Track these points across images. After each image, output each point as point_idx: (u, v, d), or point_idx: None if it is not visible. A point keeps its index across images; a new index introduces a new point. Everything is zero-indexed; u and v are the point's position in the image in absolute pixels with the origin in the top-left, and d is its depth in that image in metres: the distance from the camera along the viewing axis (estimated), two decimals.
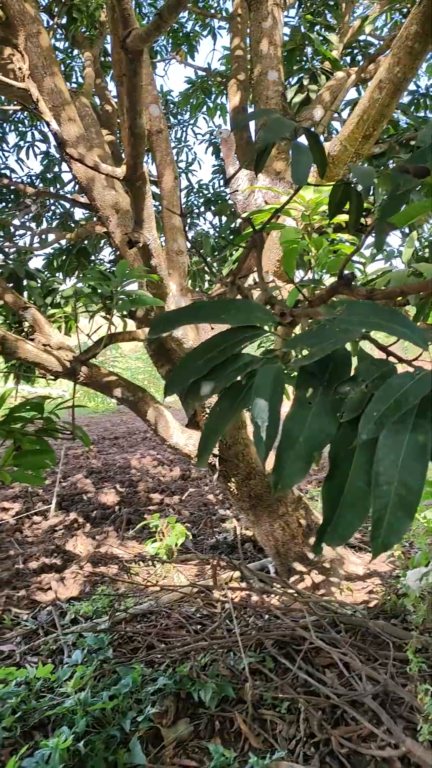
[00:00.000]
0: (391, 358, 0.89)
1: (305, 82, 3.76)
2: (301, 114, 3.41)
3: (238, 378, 0.90)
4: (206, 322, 0.90)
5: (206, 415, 3.68)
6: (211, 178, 7.22)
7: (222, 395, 0.90)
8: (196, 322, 0.89)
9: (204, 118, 7.74)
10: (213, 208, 7.11)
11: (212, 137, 7.37)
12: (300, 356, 0.85)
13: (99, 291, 2.51)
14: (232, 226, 5.57)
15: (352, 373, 0.84)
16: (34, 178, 7.17)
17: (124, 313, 3.10)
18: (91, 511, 5.93)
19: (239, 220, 2.99)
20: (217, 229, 6.33)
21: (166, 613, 3.67)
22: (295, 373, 0.88)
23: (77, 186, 3.32)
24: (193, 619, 3.60)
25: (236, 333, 0.89)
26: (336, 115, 3.61)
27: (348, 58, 5.13)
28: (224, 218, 6.61)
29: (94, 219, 4.49)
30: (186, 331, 3.24)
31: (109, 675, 2.98)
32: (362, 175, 1.16)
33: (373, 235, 1.10)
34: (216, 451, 3.74)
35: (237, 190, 2.74)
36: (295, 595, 3.26)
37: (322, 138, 3.92)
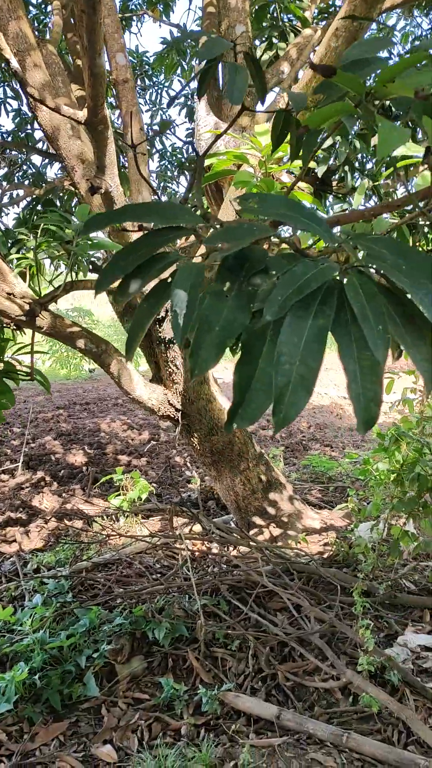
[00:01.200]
0: None
1: (274, 40, 3.77)
2: (268, 70, 3.43)
3: (165, 275, 0.95)
4: (134, 221, 0.95)
5: (169, 371, 3.73)
6: (185, 142, 7.17)
7: (149, 292, 0.95)
8: (126, 221, 0.93)
9: (179, 80, 7.64)
10: (186, 172, 7.08)
11: (187, 100, 7.29)
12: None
13: (59, 235, 2.53)
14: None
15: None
16: (5, 135, 7.06)
17: (89, 264, 3.12)
18: (59, 471, 5.97)
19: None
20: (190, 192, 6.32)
21: (128, 562, 3.76)
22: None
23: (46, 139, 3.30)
24: (153, 569, 3.69)
25: (163, 233, 0.94)
26: (301, 71, 3.64)
27: (324, 23, 5.13)
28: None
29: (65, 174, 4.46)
30: None
31: (67, 617, 3.06)
32: (296, 99, 1.20)
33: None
34: (179, 405, 3.80)
35: (201, 138, 2.76)
36: (252, 543, 3.35)
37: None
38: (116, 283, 0.97)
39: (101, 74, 2.14)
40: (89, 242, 2.37)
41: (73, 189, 3.31)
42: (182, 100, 7.54)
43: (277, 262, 0.87)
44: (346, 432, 8.95)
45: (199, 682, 2.68)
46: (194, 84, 8.48)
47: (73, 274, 2.61)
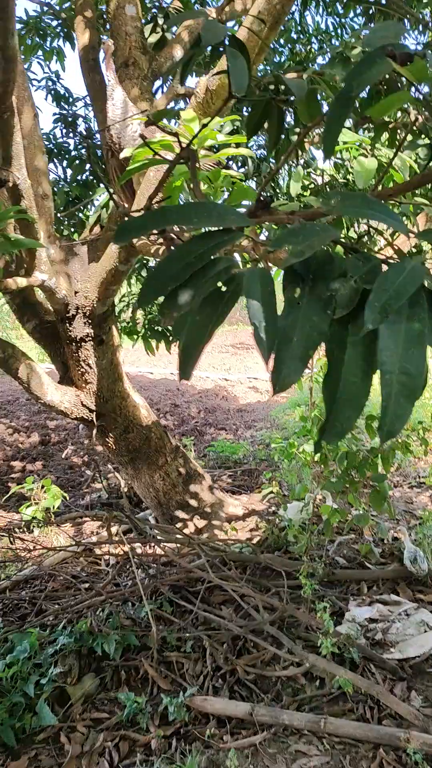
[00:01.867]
0: None
1: (160, 21, 3.64)
2: (160, 53, 3.30)
3: (218, 285, 0.86)
4: (177, 225, 0.85)
5: (81, 371, 3.55)
6: (52, 128, 6.85)
7: (202, 303, 0.86)
8: (165, 225, 0.83)
9: (39, 63, 7.27)
10: (56, 160, 6.76)
11: (49, 83, 6.95)
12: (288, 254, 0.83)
13: None
14: (86, 170, 5.33)
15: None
16: None
17: None
18: None
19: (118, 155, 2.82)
20: (65, 181, 6.04)
21: (51, 575, 3.56)
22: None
23: None
24: (80, 578, 3.52)
25: (212, 237, 0.85)
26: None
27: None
28: (71, 170, 6.33)
29: None
30: (58, 280, 3.07)
31: (2, 643, 2.84)
32: (296, 86, 1.14)
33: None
34: (93, 406, 3.64)
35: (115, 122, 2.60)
36: (185, 538, 3.29)
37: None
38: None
39: (14, 57, 1.94)
40: (9, 240, 2.16)
41: None
42: (44, 83, 7.16)
43: (353, 264, 0.81)
44: (235, 414, 9.08)
45: (157, 690, 2.60)
46: (56, 66, 8.07)
47: None
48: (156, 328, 5.07)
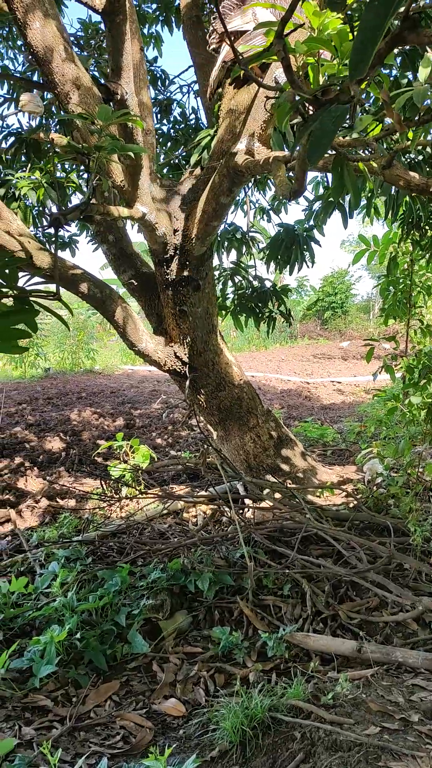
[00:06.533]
0: None
1: None
2: None
3: None
4: None
5: (176, 319, 3.47)
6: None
7: None
8: None
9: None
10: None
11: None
12: None
13: (74, 146, 2.26)
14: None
15: None
16: None
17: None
18: (37, 457, 5.61)
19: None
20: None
21: (140, 528, 3.48)
22: None
23: (31, 59, 3.03)
24: (169, 532, 3.43)
25: None
26: None
27: None
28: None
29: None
30: (158, 216, 3.02)
31: (87, 584, 2.75)
32: None
33: None
34: (186, 358, 3.56)
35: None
36: (279, 484, 3.14)
37: None
38: None
39: None
40: (116, 145, 2.11)
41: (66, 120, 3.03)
42: None
43: None
44: (319, 410, 8.84)
45: (252, 632, 2.45)
46: (153, 53, 8.22)
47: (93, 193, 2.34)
48: (246, 303, 4.94)
